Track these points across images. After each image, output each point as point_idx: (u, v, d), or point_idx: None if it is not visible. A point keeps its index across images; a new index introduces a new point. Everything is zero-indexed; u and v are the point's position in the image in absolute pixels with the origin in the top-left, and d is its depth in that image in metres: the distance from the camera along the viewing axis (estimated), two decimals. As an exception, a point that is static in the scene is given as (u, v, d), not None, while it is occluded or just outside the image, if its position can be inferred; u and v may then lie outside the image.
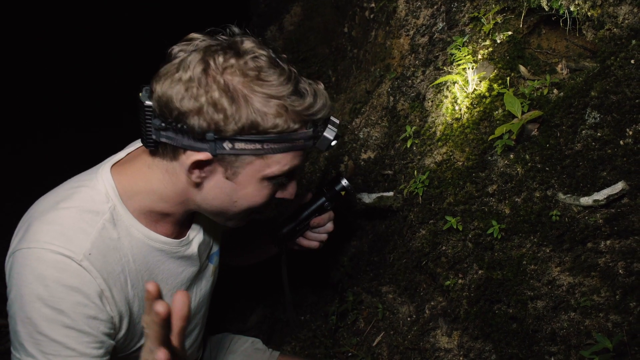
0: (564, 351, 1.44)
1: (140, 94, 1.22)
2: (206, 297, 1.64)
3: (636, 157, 1.33)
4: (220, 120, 1.14)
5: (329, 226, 1.69)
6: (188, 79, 1.15)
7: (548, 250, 1.48)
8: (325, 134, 1.27)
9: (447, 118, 1.69)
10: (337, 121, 1.30)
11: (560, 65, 1.66)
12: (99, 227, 1.23)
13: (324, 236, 1.70)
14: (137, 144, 1.42)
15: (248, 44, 1.20)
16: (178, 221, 1.39)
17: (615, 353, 1.29)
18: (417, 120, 1.81)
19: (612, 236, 1.36)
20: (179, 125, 1.16)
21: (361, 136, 2.15)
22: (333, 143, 1.28)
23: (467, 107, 1.65)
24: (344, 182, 1.63)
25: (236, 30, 1.25)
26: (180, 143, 1.18)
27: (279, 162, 1.23)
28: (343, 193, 1.64)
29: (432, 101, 1.77)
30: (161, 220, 1.35)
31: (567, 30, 1.64)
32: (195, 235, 1.48)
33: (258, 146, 1.18)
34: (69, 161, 1.53)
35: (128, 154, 1.38)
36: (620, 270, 1.35)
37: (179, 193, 1.29)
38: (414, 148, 1.77)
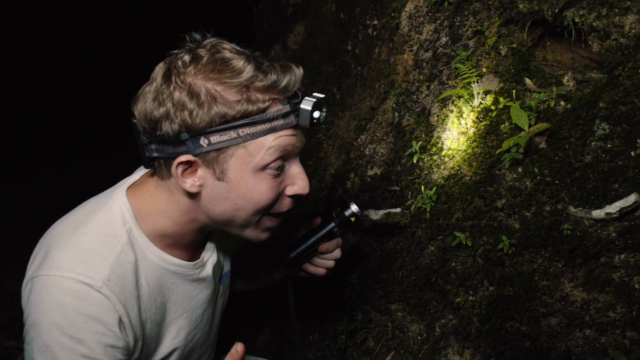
0: (580, 369, 1.40)
1: (133, 119, 1.26)
2: (218, 319, 1.62)
3: (648, 168, 1.31)
4: (187, 118, 1.15)
5: (337, 253, 1.63)
6: (154, 89, 1.20)
7: (560, 265, 1.44)
8: (302, 106, 1.19)
9: (454, 132, 1.67)
10: (321, 95, 1.22)
11: (566, 77, 1.64)
12: (117, 250, 1.23)
13: (331, 263, 1.64)
14: None
15: (207, 41, 1.22)
16: (191, 244, 1.39)
17: (634, 371, 1.25)
18: (423, 136, 1.79)
19: (627, 250, 1.33)
20: (158, 134, 1.19)
21: (367, 152, 2.13)
22: (316, 115, 1.20)
23: (473, 121, 1.63)
24: (354, 207, 1.57)
25: (197, 36, 1.25)
26: (166, 152, 1.20)
27: (263, 147, 1.19)
28: (353, 219, 1.58)
29: (437, 116, 1.76)
30: (175, 244, 1.35)
31: (573, 41, 1.62)
32: (210, 257, 1.47)
33: (234, 135, 1.16)
34: (83, 183, 1.53)
35: (142, 175, 1.38)
36: (636, 285, 1.31)
37: (185, 211, 1.29)
38: (421, 163, 1.75)
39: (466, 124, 1.64)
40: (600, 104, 1.42)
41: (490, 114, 1.60)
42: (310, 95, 1.21)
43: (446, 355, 1.72)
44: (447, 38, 1.80)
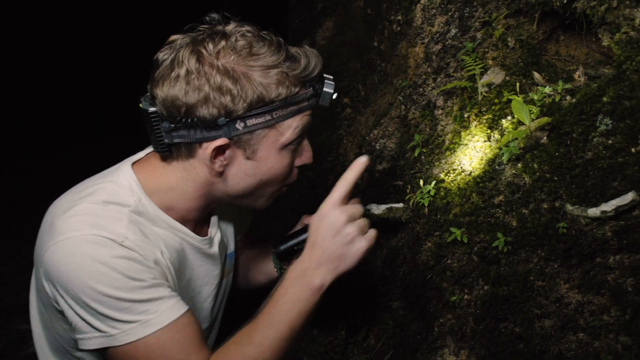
0: (571, 375, 1.34)
1: (140, 105, 1.24)
2: (222, 302, 1.63)
3: (649, 165, 1.24)
4: (228, 103, 1.17)
5: None
6: (186, 73, 1.17)
7: (556, 266, 1.38)
8: (325, 89, 1.29)
9: (456, 126, 1.63)
10: (331, 76, 1.32)
11: (577, 73, 1.58)
12: (127, 216, 1.24)
13: None
14: None
15: (230, 26, 1.23)
16: (196, 220, 1.40)
17: (622, 378, 1.18)
18: (427, 129, 1.75)
19: (622, 250, 1.26)
20: (189, 120, 1.18)
21: (377, 147, 2.10)
22: (334, 96, 1.30)
23: (475, 114, 1.58)
24: None
25: (214, 16, 1.27)
26: (194, 138, 1.20)
27: (290, 127, 1.25)
28: None
29: (442, 109, 1.72)
30: (181, 219, 1.36)
31: (584, 34, 1.55)
32: (215, 235, 1.48)
33: (268, 117, 1.21)
34: (78, 172, 1.55)
35: (148, 154, 1.40)
36: (629, 288, 1.24)
37: (200, 187, 1.30)
38: (422, 157, 1.72)
39: (468, 117, 1.60)
40: (605, 98, 1.36)
41: (493, 107, 1.55)
42: (326, 78, 1.30)
43: (442, 355, 1.67)
44: (457, 30, 1.76)
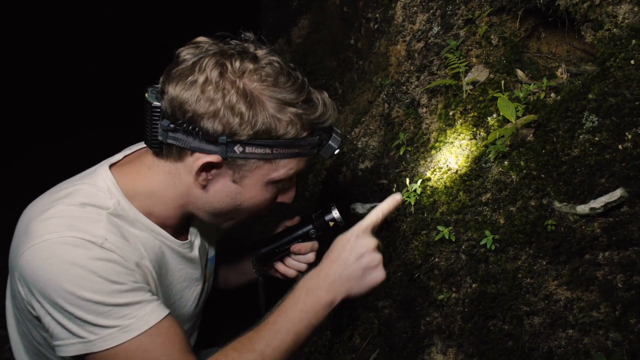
0: (562, 371, 1.34)
1: (146, 95, 1.21)
2: (202, 304, 1.60)
3: (635, 162, 1.25)
4: (235, 124, 1.14)
5: (310, 257, 1.55)
6: (204, 81, 1.14)
7: (544, 263, 1.39)
8: (330, 142, 1.28)
9: (441, 124, 1.63)
10: (340, 131, 1.31)
11: (560, 70, 1.59)
12: (105, 218, 1.19)
13: (303, 266, 1.55)
14: (134, 147, 1.39)
15: (262, 51, 1.20)
16: (175, 226, 1.37)
17: (614, 373, 1.19)
18: (412, 127, 1.74)
19: (611, 247, 1.27)
20: (190, 127, 1.15)
21: (359, 146, 2.09)
22: (336, 152, 1.29)
23: (460, 112, 1.58)
24: (335, 213, 1.51)
25: (250, 35, 1.24)
26: (189, 145, 1.17)
27: (286, 167, 1.24)
28: (332, 224, 1.51)
29: (426, 107, 1.71)
30: (161, 224, 1.32)
31: (566, 32, 1.56)
32: (195, 239, 1.46)
33: (268, 151, 1.18)
34: (59, 173, 1.49)
35: (125, 156, 1.35)
36: (619, 284, 1.25)
37: (180, 195, 1.27)
38: (407, 156, 1.71)
39: (453, 115, 1.59)
40: (590, 95, 1.36)
41: (478, 105, 1.55)
42: (335, 131, 1.29)
43: (430, 354, 1.67)
44: (439, 27, 1.75)
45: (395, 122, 1.83)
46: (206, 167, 1.20)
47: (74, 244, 1.12)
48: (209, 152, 1.17)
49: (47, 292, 1.12)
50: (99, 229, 1.16)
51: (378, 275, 1.24)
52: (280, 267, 1.59)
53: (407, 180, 1.65)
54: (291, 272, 1.57)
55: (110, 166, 1.30)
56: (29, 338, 1.34)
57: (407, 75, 1.81)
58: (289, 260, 1.57)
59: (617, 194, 1.24)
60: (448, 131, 1.60)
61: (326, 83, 3.11)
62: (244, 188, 1.25)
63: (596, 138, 1.33)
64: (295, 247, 1.53)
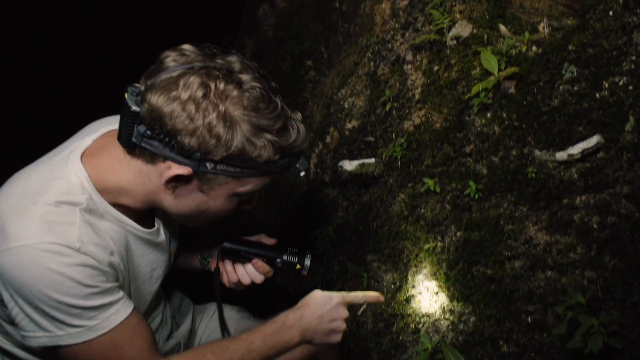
0: (541, 310, 1.42)
1: (126, 95, 1.22)
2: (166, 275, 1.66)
3: (612, 109, 1.30)
4: (212, 145, 1.18)
5: (259, 278, 1.61)
6: (187, 98, 1.16)
7: (525, 210, 1.45)
8: (298, 166, 1.34)
9: (426, 79, 1.67)
10: (307, 156, 1.38)
11: (542, 24, 1.62)
12: (79, 216, 1.24)
13: (247, 280, 1.62)
14: (101, 127, 1.41)
15: (246, 76, 1.23)
16: (143, 216, 1.42)
17: (588, 308, 1.26)
18: (397, 84, 1.78)
19: (587, 191, 1.33)
20: (167, 139, 1.19)
21: (346, 106, 2.13)
22: (302, 174, 1.35)
23: (444, 67, 1.62)
24: (307, 262, 1.61)
25: (236, 57, 1.26)
26: (163, 153, 1.21)
27: (253, 183, 1.31)
28: (298, 267, 1.61)
29: (411, 64, 1.75)
30: (130, 215, 1.37)
31: (547, -14, 1.60)
32: (160, 226, 1.50)
33: (238, 170, 1.24)
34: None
35: (94, 140, 1.37)
36: (595, 226, 1.31)
37: (148, 194, 1.31)
38: (393, 112, 1.75)
39: (437, 70, 1.63)
40: (570, 47, 1.41)
41: (462, 60, 1.59)
42: (304, 155, 1.36)
43: (417, 302, 1.74)
44: (424, -15, 1.77)
45: (381, 79, 1.87)
46: (176, 178, 1.25)
47: (52, 250, 1.16)
48: (180, 163, 1.21)
49: (22, 292, 1.17)
50: (74, 232, 1.21)
51: (337, 338, 1.50)
52: (227, 267, 1.63)
53: (394, 135, 1.69)
54: (235, 278, 1.63)
55: (83, 154, 1.32)
56: None
57: (392, 32, 1.84)
58: (240, 269, 1.62)
59: (593, 140, 1.30)
60: (432, 86, 1.64)
61: (311, 47, 3.12)
62: (210, 198, 1.31)
63: (575, 88, 1.38)
64: (257, 262, 1.59)
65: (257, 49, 3.41)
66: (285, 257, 1.60)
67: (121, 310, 1.28)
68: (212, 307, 2.00)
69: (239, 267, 1.62)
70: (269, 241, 1.66)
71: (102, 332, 1.24)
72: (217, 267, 1.64)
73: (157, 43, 1.43)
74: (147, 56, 1.34)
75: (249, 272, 1.61)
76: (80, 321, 1.22)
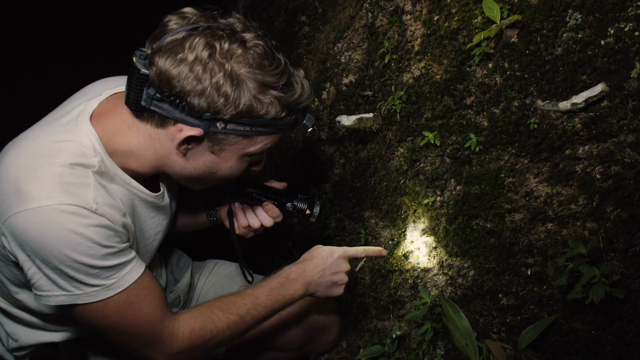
0: (541, 262, 1.41)
1: (134, 59, 1.22)
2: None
3: (617, 56, 1.27)
4: (220, 104, 1.20)
5: (269, 221, 1.63)
6: (193, 60, 1.18)
7: (526, 162, 1.43)
8: (305, 121, 1.36)
9: (425, 30, 1.62)
10: (313, 111, 1.41)
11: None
12: (92, 177, 1.25)
13: (257, 224, 1.62)
14: (104, 89, 1.40)
15: (249, 34, 1.24)
16: (149, 179, 1.44)
17: (590, 259, 1.26)
18: (396, 36, 1.73)
19: (590, 141, 1.31)
20: (177, 101, 1.20)
21: (342, 60, 2.08)
22: (309, 130, 1.37)
23: (445, 16, 1.57)
24: (316, 210, 1.65)
25: (239, 17, 1.28)
26: (173, 115, 1.22)
27: (262, 142, 1.33)
28: (307, 212, 1.64)
29: (410, 14, 1.69)
30: (137, 178, 1.38)
31: None
32: (164, 189, 1.52)
33: (248, 128, 1.27)
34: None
35: (100, 103, 1.35)
36: (597, 175, 1.30)
37: (159, 158, 1.32)
38: (392, 64, 1.71)
39: (437, 20, 1.58)
40: (574, -7, 1.36)
41: (463, 8, 1.54)
42: (309, 110, 1.37)
43: (415, 257, 1.74)
44: None
45: (379, 31, 1.82)
46: (188, 139, 1.26)
47: (71, 211, 1.17)
48: (191, 125, 1.23)
49: (41, 252, 1.18)
50: (89, 193, 1.22)
51: (339, 291, 1.57)
52: (247, 212, 1.65)
53: (393, 88, 1.65)
54: (245, 223, 1.64)
55: (91, 116, 1.31)
56: None
57: (390, -18, 1.78)
58: (250, 212, 1.64)
59: (598, 88, 1.27)
60: (432, 37, 1.60)
61: (305, 2, 3.04)
62: (221, 159, 1.33)
63: (579, 35, 1.34)
64: (268, 205, 1.61)
65: (249, 4, 3.32)
66: (295, 203, 1.63)
67: (135, 269, 1.31)
68: (210, 264, 2.01)
69: (249, 211, 1.65)
70: (280, 185, 1.68)
71: (119, 290, 1.27)
72: (230, 209, 1.66)
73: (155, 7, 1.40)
74: (147, 22, 1.33)
75: (259, 216, 1.64)
76: (98, 280, 1.24)
